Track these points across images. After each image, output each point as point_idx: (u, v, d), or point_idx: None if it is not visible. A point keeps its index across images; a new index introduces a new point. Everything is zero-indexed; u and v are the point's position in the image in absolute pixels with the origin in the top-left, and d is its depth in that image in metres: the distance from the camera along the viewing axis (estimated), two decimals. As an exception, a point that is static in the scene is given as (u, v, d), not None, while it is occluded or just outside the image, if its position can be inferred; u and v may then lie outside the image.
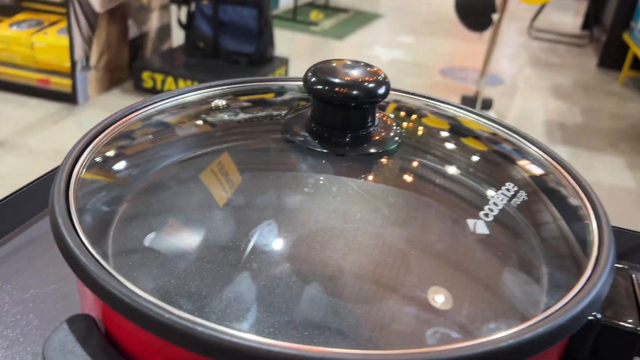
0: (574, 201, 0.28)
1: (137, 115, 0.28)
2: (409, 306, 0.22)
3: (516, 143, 0.32)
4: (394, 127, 0.29)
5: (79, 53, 1.95)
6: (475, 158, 0.31)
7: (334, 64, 0.27)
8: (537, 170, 0.31)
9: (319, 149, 0.26)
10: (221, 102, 0.30)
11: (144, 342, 0.21)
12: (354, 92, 0.26)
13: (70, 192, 0.24)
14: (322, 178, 0.25)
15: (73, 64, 1.95)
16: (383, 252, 0.23)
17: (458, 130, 0.33)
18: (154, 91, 2.11)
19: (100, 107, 2.01)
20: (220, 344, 0.18)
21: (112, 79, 2.14)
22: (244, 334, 0.18)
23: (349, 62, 0.28)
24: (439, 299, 0.22)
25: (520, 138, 0.32)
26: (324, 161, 0.26)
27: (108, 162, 0.26)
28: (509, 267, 0.25)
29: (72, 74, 1.95)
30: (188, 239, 0.23)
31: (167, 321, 0.18)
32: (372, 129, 0.27)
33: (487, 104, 2.27)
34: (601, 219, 0.27)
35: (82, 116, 1.94)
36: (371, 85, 0.26)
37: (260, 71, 2.18)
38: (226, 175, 0.26)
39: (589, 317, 0.25)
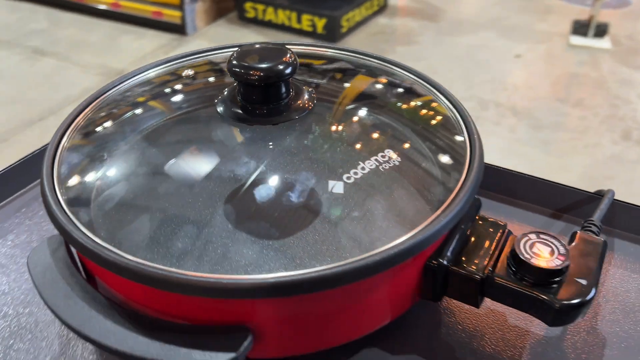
0: (456, 142, 0.34)
1: (109, 94, 0.37)
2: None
3: (419, 87, 0.38)
4: (307, 97, 0.35)
5: (187, -14, 2.09)
6: (371, 105, 0.37)
7: (252, 49, 0.34)
8: (427, 109, 0.36)
9: (238, 120, 0.33)
10: (178, 76, 0.38)
11: (85, 260, 0.30)
12: (261, 74, 0.32)
13: (56, 160, 0.33)
14: (234, 143, 0.33)
15: (182, -4, 2.09)
16: (290, 187, 0.30)
17: (362, 81, 0.39)
18: (255, 21, 2.21)
19: (207, 37, 2.15)
20: (126, 266, 0.26)
21: (218, 10, 2.27)
22: (146, 261, 0.26)
23: (265, 47, 0.34)
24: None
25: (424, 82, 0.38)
26: (244, 130, 0.33)
27: (81, 138, 0.35)
28: (374, 201, 0.30)
29: (181, 6, 2.10)
30: (130, 190, 0.32)
31: (91, 248, 0.27)
32: (284, 101, 0.34)
33: (601, 30, 2.10)
34: (472, 171, 0.31)
35: (190, 46, 2.09)
36: (278, 67, 0.33)
37: (358, -1, 2.18)
38: (168, 143, 0.34)
39: (439, 262, 0.30)
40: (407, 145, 0.34)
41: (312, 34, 2.13)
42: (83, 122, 0.35)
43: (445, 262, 0.30)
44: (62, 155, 0.33)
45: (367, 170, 0.31)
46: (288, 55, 0.33)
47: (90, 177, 0.32)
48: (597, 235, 0.35)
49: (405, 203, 0.31)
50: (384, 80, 0.40)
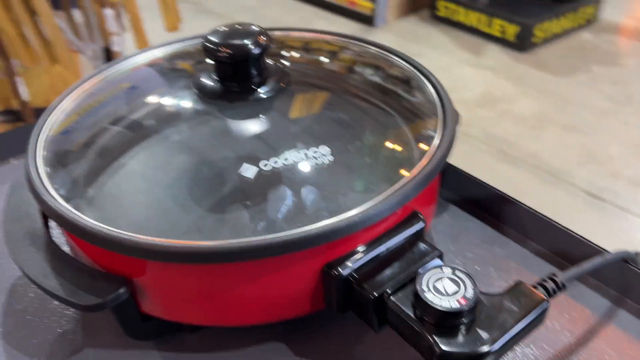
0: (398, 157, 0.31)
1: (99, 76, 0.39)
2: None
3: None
4: (279, 75, 0.35)
5: (383, -21, 2.12)
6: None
7: (225, 29, 0.34)
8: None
9: (212, 97, 0.34)
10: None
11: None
12: (231, 52, 0.33)
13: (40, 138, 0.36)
14: (207, 119, 0.34)
15: (376, -12, 2.13)
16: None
17: (339, 59, 0.41)
18: (446, 20, 2.16)
19: (393, 31, 2.17)
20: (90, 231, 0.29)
21: (412, 6, 2.26)
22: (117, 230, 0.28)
23: (238, 27, 0.34)
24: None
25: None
26: (209, 104, 0.34)
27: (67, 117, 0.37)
28: (292, 193, 0.29)
29: (374, -2, 2.14)
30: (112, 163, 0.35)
31: (53, 207, 0.30)
32: (256, 79, 0.34)
33: None
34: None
35: (374, 38, 2.13)
36: (249, 46, 0.33)
37: (562, 8, 2.00)
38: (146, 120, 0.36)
39: (337, 271, 0.29)
40: (348, 140, 0.32)
41: (501, 40, 2.01)
42: (77, 96, 0.38)
43: (343, 272, 0.29)
44: (46, 131, 0.35)
45: (290, 161, 0.30)
46: (257, 37, 0.34)
47: (68, 150, 0.34)
48: (550, 293, 0.29)
49: (313, 207, 0.29)
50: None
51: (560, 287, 0.30)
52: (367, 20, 2.20)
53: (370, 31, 2.18)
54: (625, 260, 0.34)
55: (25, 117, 1.45)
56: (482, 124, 1.64)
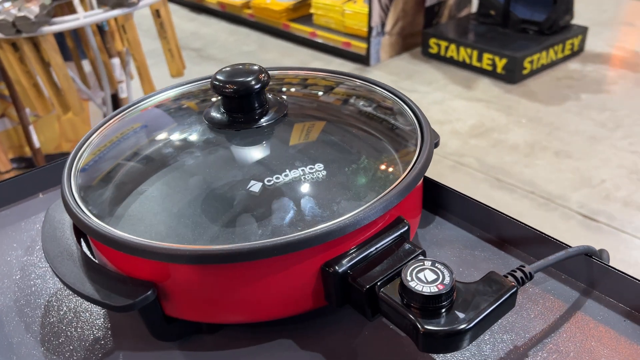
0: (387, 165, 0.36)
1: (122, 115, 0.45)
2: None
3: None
4: (277, 107, 0.40)
5: (375, 20, 2.22)
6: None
7: (230, 69, 0.40)
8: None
9: (221, 127, 0.40)
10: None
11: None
12: (235, 88, 0.39)
13: (73, 167, 0.42)
14: (218, 145, 0.39)
15: (369, 29, 2.22)
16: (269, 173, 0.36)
17: (328, 92, 0.46)
18: (437, 57, 2.25)
19: (387, 69, 2.25)
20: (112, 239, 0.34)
21: (404, 45, 2.36)
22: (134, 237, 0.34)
23: (240, 66, 0.40)
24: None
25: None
26: (227, 134, 0.39)
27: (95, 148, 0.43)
28: (290, 204, 0.34)
29: (367, 39, 2.24)
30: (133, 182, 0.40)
31: (88, 224, 0.35)
32: (260, 110, 0.40)
33: None
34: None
35: (369, 76, 2.21)
36: (250, 82, 0.39)
37: (548, 41, 2.09)
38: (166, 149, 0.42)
39: (334, 269, 0.33)
40: (339, 158, 0.38)
41: (491, 73, 2.09)
42: (104, 131, 0.44)
43: (339, 270, 0.33)
44: (78, 163, 0.41)
45: (290, 176, 0.35)
46: (257, 74, 0.39)
47: (98, 175, 0.40)
48: (519, 281, 0.34)
49: (311, 214, 0.34)
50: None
51: (527, 277, 0.34)
52: (362, 60, 2.29)
53: (365, 70, 2.26)
54: (587, 254, 0.38)
55: (37, 164, 1.52)
56: (476, 154, 1.70)
